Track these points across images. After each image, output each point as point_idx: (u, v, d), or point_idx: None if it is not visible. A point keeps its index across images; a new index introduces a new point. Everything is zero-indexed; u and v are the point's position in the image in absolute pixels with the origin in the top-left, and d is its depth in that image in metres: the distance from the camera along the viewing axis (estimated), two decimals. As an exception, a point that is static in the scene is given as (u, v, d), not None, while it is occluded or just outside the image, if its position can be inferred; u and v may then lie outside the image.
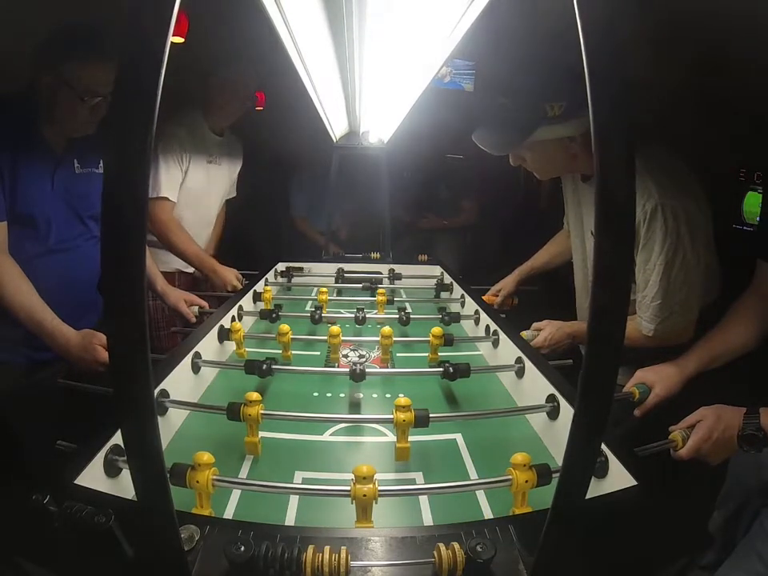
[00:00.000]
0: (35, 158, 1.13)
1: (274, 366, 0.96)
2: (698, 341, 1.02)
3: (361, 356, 1.19)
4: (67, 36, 1.08)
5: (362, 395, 1.02)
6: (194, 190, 1.79)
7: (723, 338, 1.00)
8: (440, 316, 1.36)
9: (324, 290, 1.50)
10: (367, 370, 0.95)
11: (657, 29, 1.23)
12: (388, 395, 1.02)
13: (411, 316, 1.36)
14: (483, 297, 1.57)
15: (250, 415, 0.76)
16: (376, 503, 0.58)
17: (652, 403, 0.95)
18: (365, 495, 0.57)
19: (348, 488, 0.58)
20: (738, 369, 1.01)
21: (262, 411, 0.76)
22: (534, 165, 1.11)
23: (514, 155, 1.11)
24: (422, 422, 0.76)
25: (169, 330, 1.62)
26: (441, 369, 0.97)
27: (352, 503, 0.58)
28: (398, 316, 1.35)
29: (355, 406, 0.99)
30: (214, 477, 0.61)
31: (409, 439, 0.76)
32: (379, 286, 1.72)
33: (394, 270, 1.90)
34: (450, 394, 1.03)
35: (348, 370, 0.95)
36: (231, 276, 1.71)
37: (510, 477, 0.62)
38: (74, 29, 1.08)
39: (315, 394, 1.02)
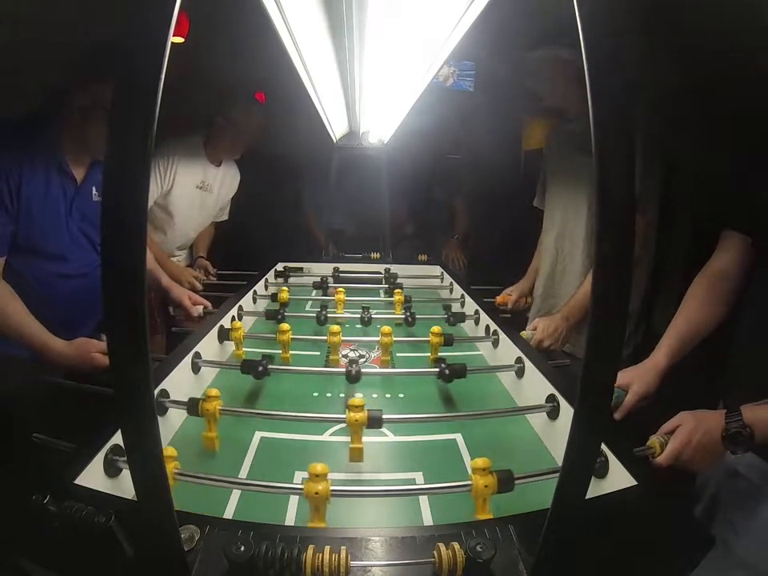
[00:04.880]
0: (55, 186, 1.13)
1: (270, 367, 0.96)
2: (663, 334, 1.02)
3: (360, 356, 1.19)
4: (101, 55, 1.05)
5: (361, 395, 1.01)
6: (172, 212, 1.79)
7: (687, 323, 0.99)
8: (445, 316, 1.36)
9: (341, 289, 1.51)
10: (366, 370, 0.95)
11: (657, 29, 1.24)
12: (388, 395, 1.02)
13: (417, 316, 1.35)
14: (498, 297, 1.58)
15: (207, 410, 0.77)
16: (329, 503, 0.58)
17: (632, 402, 0.94)
18: (317, 493, 0.57)
19: (301, 486, 0.58)
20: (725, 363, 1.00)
21: (220, 407, 0.79)
22: (538, 82, 1.39)
23: (528, 74, 1.38)
24: (375, 422, 0.75)
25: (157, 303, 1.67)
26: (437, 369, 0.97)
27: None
28: (404, 316, 1.35)
29: (355, 406, 0.98)
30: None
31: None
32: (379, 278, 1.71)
33: (389, 269, 1.89)
34: (450, 394, 1.03)
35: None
36: (188, 276, 1.77)
37: (469, 482, 0.60)
38: (109, 48, 1.04)
39: (315, 394, 1.02)
